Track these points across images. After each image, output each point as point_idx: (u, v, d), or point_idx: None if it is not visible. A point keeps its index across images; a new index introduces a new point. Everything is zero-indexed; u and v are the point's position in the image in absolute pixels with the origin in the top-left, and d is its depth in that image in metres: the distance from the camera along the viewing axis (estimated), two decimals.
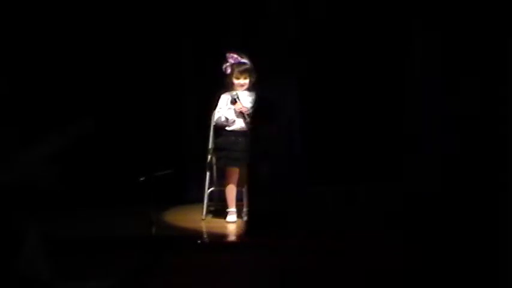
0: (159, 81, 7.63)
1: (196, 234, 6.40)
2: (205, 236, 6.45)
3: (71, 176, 7.33)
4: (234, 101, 6.79)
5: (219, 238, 6.36)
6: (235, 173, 6.76)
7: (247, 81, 6.81)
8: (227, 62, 6.84)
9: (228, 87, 6.86)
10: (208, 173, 6.94)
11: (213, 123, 6.94)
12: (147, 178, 6.42)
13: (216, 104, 6.91)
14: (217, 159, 6.87)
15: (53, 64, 7.47)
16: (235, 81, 6.82)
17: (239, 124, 6.82)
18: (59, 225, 6.46)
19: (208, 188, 6.93)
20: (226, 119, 6.80)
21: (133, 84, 7.57)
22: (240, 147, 6.73)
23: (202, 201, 6.91)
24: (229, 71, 6.83)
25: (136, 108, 7.60)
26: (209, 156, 6.95)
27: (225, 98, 6.87)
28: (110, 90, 7.55)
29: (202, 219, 6.84)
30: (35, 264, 3.70)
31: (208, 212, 6.96)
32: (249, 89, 6.84)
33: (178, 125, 7.69)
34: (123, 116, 7.55)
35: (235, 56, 6.83)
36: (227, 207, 6.83)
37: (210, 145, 6.96)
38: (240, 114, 6.81)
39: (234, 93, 6.82)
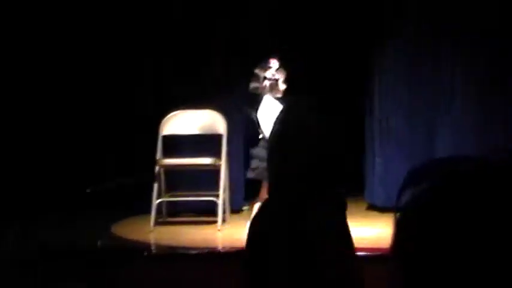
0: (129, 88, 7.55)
1: (143, 246, 6.29)
2: (152, 247, 6.37)
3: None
4: None
5: (167, 250, 6.28)
6: None
7: None
8: (270, 67, 6.56)
9: (272, 92, 6.53)
10: (156, 184, 6.83)
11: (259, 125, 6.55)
12: (94, 189, 6.30)
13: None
14: (255, 169, 6.48)
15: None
16: (283, 85, 6.57)
17: None
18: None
19: (157, 199, 6.81)
20: None
21: (103, 91, 7.52)
22: None
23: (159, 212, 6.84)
24: (281, 75, 6.55)
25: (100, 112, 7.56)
26: (156, 167, 6.85)
27: (271, 102, 6.50)
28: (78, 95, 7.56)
29: (151, 231, 6.70)
30: None
31: (158, 223, 6.83)
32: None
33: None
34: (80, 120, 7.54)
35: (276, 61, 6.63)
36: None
37: (158, 155, 6.86)
38: None
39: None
